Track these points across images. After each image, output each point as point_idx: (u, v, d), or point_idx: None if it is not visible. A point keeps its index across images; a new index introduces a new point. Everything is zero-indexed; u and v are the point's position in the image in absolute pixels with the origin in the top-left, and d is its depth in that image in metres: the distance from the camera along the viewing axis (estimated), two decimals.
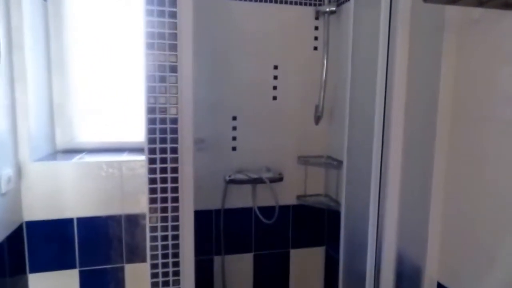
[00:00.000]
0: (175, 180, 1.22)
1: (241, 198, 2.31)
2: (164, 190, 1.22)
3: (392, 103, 1.31)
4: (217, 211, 2.30)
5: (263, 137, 2.28)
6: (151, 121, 1.18)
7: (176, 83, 1.20)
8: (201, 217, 2.25)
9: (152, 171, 1.19)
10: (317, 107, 2.24)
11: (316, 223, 2.47)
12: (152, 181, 1.20)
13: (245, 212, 2.32)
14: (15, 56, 1.64)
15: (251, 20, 2.20)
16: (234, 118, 2.25)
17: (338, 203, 2.08)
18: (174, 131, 1.21)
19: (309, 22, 2.28)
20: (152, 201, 1.21)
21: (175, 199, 1.24)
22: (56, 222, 1.68)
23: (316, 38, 2.30)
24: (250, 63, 2.21)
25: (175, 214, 1.24)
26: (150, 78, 1.15)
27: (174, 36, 1.15)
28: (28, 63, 1.67)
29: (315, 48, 2.31)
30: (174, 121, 1.19)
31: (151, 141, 1.17)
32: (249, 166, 2.30)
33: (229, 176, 2.17)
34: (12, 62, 1.62)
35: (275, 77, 2.25)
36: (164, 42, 1.16)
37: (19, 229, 1.60)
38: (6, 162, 1.47)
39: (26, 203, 1.63)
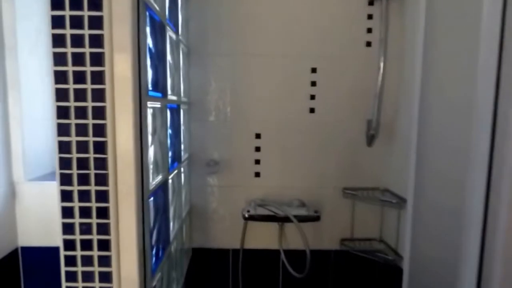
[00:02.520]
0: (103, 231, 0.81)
1: (265, 237, 1.82)
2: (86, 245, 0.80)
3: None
4: (235, 251, 1.83)
5: (295, 161, 1.78)
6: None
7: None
8: (215, 256, 1.81)
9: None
10: (369, 122, 1.67)
11: (365, 277, 1.85)
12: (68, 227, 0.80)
13: (270, 254, 1.82)
14: (7, 61, 1.43)
15: (280, 10, 1.73)
16: (258, 136, 1.78)
17: (398, 254, 1.57)
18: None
19: (360, 9, 1.74)
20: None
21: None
22: (55, 250, 1.42)
23: (369, 31, 1.73)
24: (279, 65, 1.74)
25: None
26: None
27: None
28: (22, 70, 1.47)
29: (368, 44, 1.74)
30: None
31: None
32: (276, 197, 1.80)
33: (248, 212, 1.69)
34: (4, 67, 1.41)
35: (313, 83, 1.74)
36: None
37: (13, 254, 1.46)
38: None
39: (21, 227, 1.51)
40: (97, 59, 0.78)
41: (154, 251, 1.22)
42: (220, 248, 1.87)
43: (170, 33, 1.44)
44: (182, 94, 1.68)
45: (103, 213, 0.81)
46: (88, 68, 0.78)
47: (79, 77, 0.78)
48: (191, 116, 1.81)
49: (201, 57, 1.78)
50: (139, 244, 0.84)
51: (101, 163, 0.79)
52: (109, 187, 0.81)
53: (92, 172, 0.80)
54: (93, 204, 0.81)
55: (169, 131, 1.50)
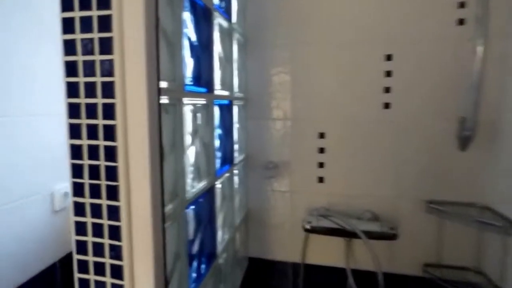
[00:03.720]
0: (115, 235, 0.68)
1: (329, 253, 1.60)
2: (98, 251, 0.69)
3: None
4: (296, 265, 1.64)
5: (365, 165, 1.52)
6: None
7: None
8: (273, 268, 1.64)
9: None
10: (463, 120, 1.36)
11: None
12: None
13: (335, 273, 1.59)
14: None
15: None
16: (322, 136, 1.56)
17: None
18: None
19: None
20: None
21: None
22: None
23: (461, 5, 1.40)
24: (346, 53, 1.50)
25: None
26: None
27: None
28: None
29: (460, 22, 1.41)
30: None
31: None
32: (342, 207, 1.56)
33: (310, 223, 1.49)
34: None
35: (388, 73, 1.46)
36: None
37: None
38: (62, 175, 1.27)
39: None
40: (106, 46, 0.64)
41: (195, 266, 1.08)
42: (279, 260, 1.69)
43: (220, 20, 1.29)
44: (236, 89, 1.52)
45: (114, 233, 0.68)
46: (97, 57, 0.65)
47: (88, 68, 0.65)
48: (247, 113, 1.66)
49: (259, 48, 1.61)
50: (157, 273, 0.69)
51: (112, 172, 0.66)
52: (120, 202, 0.67)
53: (103, 183, 0.67)
54: (105, 221, 0.68)
55: (218, 130, 1.35)
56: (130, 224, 0.69)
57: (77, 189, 0.69)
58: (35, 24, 1.37)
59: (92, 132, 0.67)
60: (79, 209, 0.69)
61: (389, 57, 1.48)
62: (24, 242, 1.41)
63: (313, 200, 1.61)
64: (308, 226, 1.52)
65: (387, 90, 1.49)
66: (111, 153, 0.67)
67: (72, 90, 0.67)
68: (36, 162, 1.42)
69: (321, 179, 1.60)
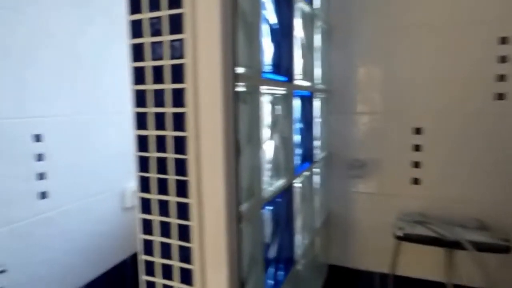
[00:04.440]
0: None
1: (424, 265, 1.39)
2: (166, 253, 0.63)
3: None
4: (384, 276, 1.46)
5: (470, 165, 1.29)
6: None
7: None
8: (356, 278, 1.49)
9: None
10: None
11: None
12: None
13: (431, 287, 1.38)
14: None
15: None
16: (418, 131, 1.36)
17: None
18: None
19: None
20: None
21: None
22: None
23: None
24: (447, 37, 1.27)
25: None
26: None
27: None
28: None
29: None
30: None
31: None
32: (442, 212, 1.35)
33: (402, 229, 1.31)
34: None
35: (503, 59, 1.21)
36: None
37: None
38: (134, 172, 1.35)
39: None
40: (176, 24, 0.57)
41: (271, 272, 0.98)
42: (363, 269, 1.52)
43: (301, 5, 1.17)
44: (318, 80, 1.39)
45: (184, 233, 0.60)
46: (166, 37, 0.58)
47: (156, 50, 0.58)
48: (331, 106, 1.51)
49: (344, 35, 1.46)
50: (231, 279, 0.60)
51: (181, 166, 0.58)
52: (191, 199, 0.59)
53: (171, 177, 0.60)
54: (173, 220, 0.61)
55: (297, 124, 1.24)
56: (202, 224, 0.61)
57: (144, 184, 0.63)
58: (105, 20, 1.39)
59: (160, 121, 0.60)
60: (145, 206, 0.63)
61: (503, 40, 1.22)
62: (96, 238, 1.45)
63: (406, 204, 1.41)
64: (400, 233, 1.33)
65: (501, 78, 1.24)
66: (180, 145, 0.59)
67: (138, 76, 0.61)
68: (109, 160, 1.45)
69: (416, 181, 1.40)
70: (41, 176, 1.23)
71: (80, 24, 1.33)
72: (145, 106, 0.61)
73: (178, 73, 0.58)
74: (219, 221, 0.60)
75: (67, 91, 1.30)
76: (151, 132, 0.61)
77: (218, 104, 0.57)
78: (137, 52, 0.60)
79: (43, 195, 1.24)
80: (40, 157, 1.22)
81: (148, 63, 0.60)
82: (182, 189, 0.60)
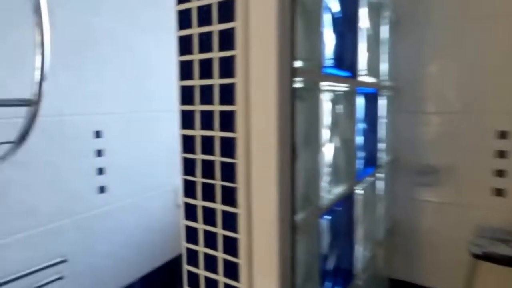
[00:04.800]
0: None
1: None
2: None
3: None
4: None
5: None
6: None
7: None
8: None
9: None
10: None
11: None
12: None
13: None
14: None
15: None
16: (502, 135, 1.18)
17: None
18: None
19: None
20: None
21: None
22: None
23: None
24: None
25: None
26: None
27: None
28: None
29: None
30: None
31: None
32: None
33: (480, 247, 1.15)
34: None
35: None
36: None
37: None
38: None
39: None
40: (226, 11, 0.50)
41: None
42: (431, 286, 1.36)
43: None
44: (384, 76, 1.26)
45: (230, 246, 0.54)
46: (215, 27, 0.51)
47: (203, 42, 0.52)
48: (398, 105, 1.37)
49: (414, 27, 1.31)
50: None
51: (229, 171, 0.52)
52: (239, 208, 0.52)
53: (218, 183, 0.53)
54: (219, 231, 0.54)
55: (360, 125, 1.12)
56: (250, 237, 0.54)
57: (189, 189, 0.57)
58: (157, 19, 1.38)
59: (207, 120, 0.54)
60: (190, 212, 0.58)
61: None
62: (151, 233, 1.45)
63: (486, 217, 1.23)
64: (478, 251, 1.15)
65: None
66: (228, 147, 0.53)
67: (185, 70, 0.55)
68: (163, 156, 1.44)
69: (499, 192, 1.21)
70: (100, 171, 1.25)
71: (140, 28, 1.34)
72: (191, 104, 0.55)
73: (227, 67, 0.51)
74: (270, 234, 0.52)
75: (125, 90, 1.31)
76: (198, 132, 0.55)
77: (272, 102, 0.49)
78: (185, 45, 0.55)
79: (102, 189, 1.26)
80: (100, 153, 1.24)
81: (196, 56, 0.54)
82: (229, 196, 0.53)
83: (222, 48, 0.52)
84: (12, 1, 0.92)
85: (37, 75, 0.80)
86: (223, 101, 0.52)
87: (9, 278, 0.97)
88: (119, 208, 1.34)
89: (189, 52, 0.54)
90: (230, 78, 0.51)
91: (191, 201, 0.57)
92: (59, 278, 1.07)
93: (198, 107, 0.55)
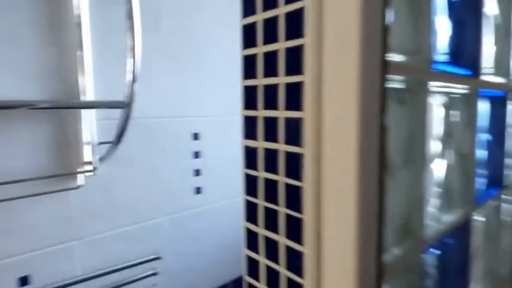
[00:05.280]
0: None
1: None
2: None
3: None
4: None
5: None
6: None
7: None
8: None
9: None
10: None
11: None
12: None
13: None
14: None
15: None
16: None
17: None
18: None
19: None
20: None
21: None
22: None
23: None
24: None
25: None
26: None
27: None
28: None
29: None
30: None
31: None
32: None
33: None
34: None
35: None
36: None
37: None
38: None
39: None
40: None
41: None
42: None
43: None
44: None
45: None
46: (281, 10, 0.36)
47: (268, 30, 0.38)
48: None
49: None
50: None
51: (293, 195, 0.36)
52: (305, 246, 0.36)
53: (281, 210, 0.38)
54: (282, 270, 0.39)
55: (483, 135, 0.83)
56: (319, 283, 0.37)
57: (250, 212, 0.43)
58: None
59: (271, 129, 0.39)
60: (251, 240, 0.43)
61: None
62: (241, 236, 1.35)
63: None
64: None
65: None
66: (293, 165, 0.37)
67: (248, 67, 0.41)
68: None
69: None
70: (197, 173, 1.20)
71: (238, 32, 1.26)
72: (254, 108, 0.41)
73: (294, 60, 0.35)
74: (346, 279, 0.35)
75: (222, 93, 1.24)
76: (260, 144, 0.40)
77: (352, 106, 0.32)
78: (248, 35, 0.40)
79: (198, 190, 1.21)
80: (197, 155, 1.19)
81: (260, 49, 0.39)
82: (293, 229, 0.37)
83: (288, 36, 0.36)
84: (110, 8, 0.92)
85: (129, 77, 0.77)
86: (288, 105, 0.37)
87: (111, 269, 0.97)
88: (213, 210, 1.28)
89: (253, 44, 0.40)
90: (297, 75, 0.35)
91: (252, 227, 0.42)
92: (154, 274, 1.04)
93: (261, 113, 0.40)
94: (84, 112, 0.86)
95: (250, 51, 0.40)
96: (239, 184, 1.23)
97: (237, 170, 1.29)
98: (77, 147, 0.89)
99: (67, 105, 0.83)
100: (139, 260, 1.02)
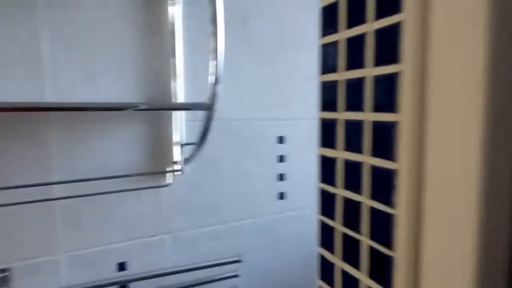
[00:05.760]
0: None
1: None
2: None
3: None
4: None
5: None
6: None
7: None
8: None
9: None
10: None
11: None
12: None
13: None
14: None
15: None
16: None
17: None
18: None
19: None
20: None
21: None
22: None
23: None
24: None
25: None
26: None
27: None
28: None
29: None
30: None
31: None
32: None
33: None
34: None
35: None
36: None
37: None
38: None
39: None
40: None
41: None
42: None
43: None
44: None
45: None
46: None
47: (353, 8, 0.29)
48: None
49: None
50: None
51: (381, 225, 0.26)
52: None
53: (365, 241, 0.29)
54: None
55: None
56: None
57: (325, 236, 0.34)
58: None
59: (354, 136, 0.30)
60: (326, 270, 0.34)
61: None
62: None
63: None
64: None
65: None
66: (383, 185, 0.27)
67: (327, 58, 0.33)
68: None
69: None
70: (281, 177, 1.15)
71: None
72: (333, 109, 0.32)
73: (386, 45, 0.26)
74: None
75: (307, 94, 1.15)
76: (340, 154, 0.32)
77: (477, 101, 0.21)
78: (328, 19, 0.32)
79: (282, 195, 1.15)
80: (281, 159, 1.13)
81: (342, 35, 0.30)
82: (379, 267, 0.27)
83: (379, 13, 0.26)
84: (197, 13, 0.92)
85: (211, 79, 0.76)
86: (378, 106, 0.27)
87: (196, 266, 0.98)
88: (297, 217, 1.20)
89: (334, 28, 0.31)
90: (390, 65, 0.25)
91: (328, 255, 0.34)
92: (235, 276, 1.02)
93: (342, 115, 0.31)
94: (174, 114, 0.88)
95: (330, 38, 0.32)
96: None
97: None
98: (168, 147, 0.92)
99: (157, 107, 0.86)
100: (222, 261, 1.01)
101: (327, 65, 0.33)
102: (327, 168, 0.33)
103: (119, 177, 0.83)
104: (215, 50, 0.73)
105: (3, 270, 0.74)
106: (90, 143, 0.82)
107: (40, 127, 0.77)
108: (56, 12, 0.75)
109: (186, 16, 0.90)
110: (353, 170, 0.30)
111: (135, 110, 0.83)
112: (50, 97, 0.75)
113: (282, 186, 1.14)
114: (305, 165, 1.18)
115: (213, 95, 0.76)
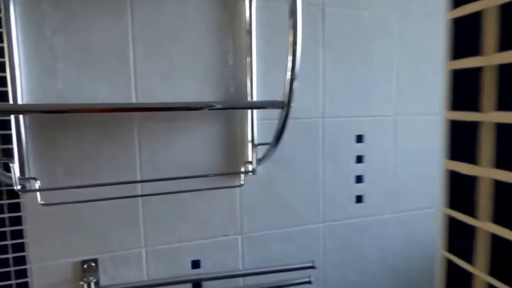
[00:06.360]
0: None
1: None
2: None
3: None
4: None
5: None
6: None
7: None
8: None
9: None
10: None
11: None
12: None
13: None
14: None
15: None
16: None
17: None
18: None
19: None
20: None
21: None
22: None
23: None
24: None
25: None
26: None
27: None
28: None
29: None
30: None
31: None
32: None
33: None
34: None
35: None
36: None
37: None
38: None
39: None
40: None
41: None
42: None
43: None
44: None
45: None
46: None
47: None
48: None
49: None
50: None
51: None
52: None
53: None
54: None
55: None
56: None
57: (452, 283, 0.24)
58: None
59: (508, 147, 0.19)
60: None
61: None
62: (412, 258, 1.12)
63: None
64: None
65: None
66: None
67: (461, 38, 0.22)
68: (436, 171, 1.01)
69: None
70: (358, 179, 1.03)
71: (413, 15, 1.00)
72: (473, 108, 0.22)
73: None
74: None
75: (393, 89, 1.01)
76: (484, 172, 0.21)
77: None
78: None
79: (359, 198, 1.04)
80: (359, 159, 1.02)
81: (489, 2, 0.20)
82: None
83: None
84: (273, 8, 0.85)
85: (288, 76, 0.68)
86: None
87: (268, 269, 0.93)
88: (375, 222, 1.08)
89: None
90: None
91: None
92: (308, 282, 0.94)
93: (489, 116, 0.21)
94: (249, 113, 0.83)
95: (466, 8, 0.21)
96: (406, 198, 0.98)
97: (404, 181, 1.04)
98: (242, 146, 0.88)
99: (232, 106, 0.82)
100: (296, 266, 0.94)
101: (462, 48, 0.22)
102: (460, 189, 0.23)
103: (198, 177, 0.81)
104: (293, 45, 0.65)
105: (91, 260, 0.77)
106: (169, 143, 0.82)
107: (126, 129, 0.78)
108: (140, 14, 0.75)
109: (260, 10, 0.85)
110: (507, 196, 0.20)
111: (210, 109, 0.80)
112: (135, 98, 0.76)
113: (360, 189, 1.03)
114: (385, 167, 1.05)
115: (290, 93, 0.68)
